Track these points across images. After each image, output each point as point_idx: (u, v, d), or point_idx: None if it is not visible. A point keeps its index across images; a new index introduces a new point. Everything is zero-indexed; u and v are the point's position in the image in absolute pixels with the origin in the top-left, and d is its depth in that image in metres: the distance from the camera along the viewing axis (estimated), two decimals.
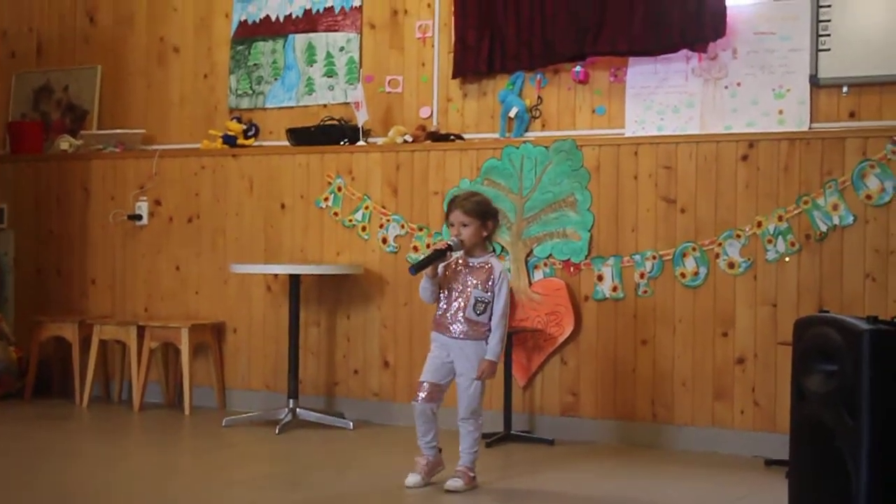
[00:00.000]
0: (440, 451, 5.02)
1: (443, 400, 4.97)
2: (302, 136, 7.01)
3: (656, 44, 6.09)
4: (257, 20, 7.31)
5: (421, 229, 6.67)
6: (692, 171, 6.05)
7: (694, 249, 6.03)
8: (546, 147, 6.35)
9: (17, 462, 5.46)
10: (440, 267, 4.95)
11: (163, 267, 7.48)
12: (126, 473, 5.36)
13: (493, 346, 4.89)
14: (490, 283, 4.91)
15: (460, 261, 4.98)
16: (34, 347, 7.40)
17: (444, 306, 4.95)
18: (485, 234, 4.96)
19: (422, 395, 4.92)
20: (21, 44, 8.11)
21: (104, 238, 7.65)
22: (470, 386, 4.90)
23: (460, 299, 4.91)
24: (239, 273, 7.06)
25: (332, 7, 7.07)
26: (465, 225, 4.91)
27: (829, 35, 5.79)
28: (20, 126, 7.90)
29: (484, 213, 4.95)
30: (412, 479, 4.94)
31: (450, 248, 4.88)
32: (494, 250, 5.10)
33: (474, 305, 4.89)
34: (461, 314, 4.90)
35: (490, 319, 4.90)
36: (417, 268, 4.88)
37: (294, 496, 4.83)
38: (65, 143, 7.75)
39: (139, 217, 7.52)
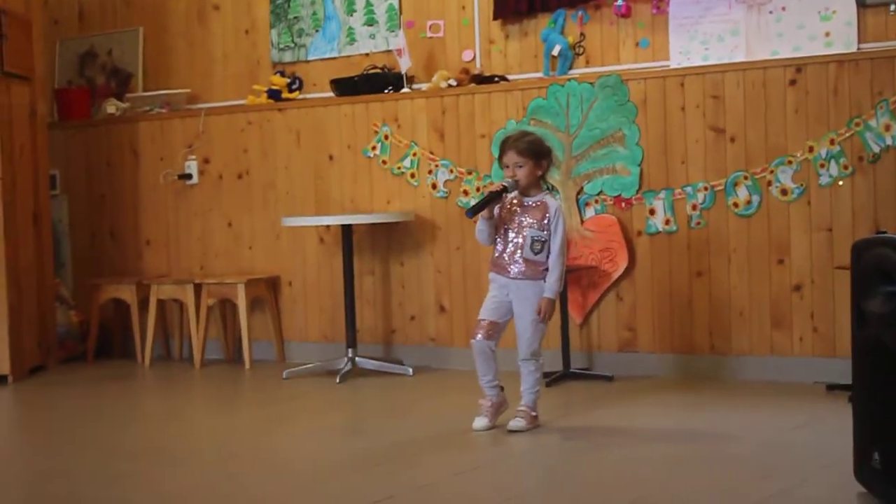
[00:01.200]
0: (502, 389, 5.04)
1: (500, 338, 4.98)
2: (346, 87, 7.01)
3: None
4: None
5: (470, 173, 6.67)
6: (740, 99, 6.00)
7: (745, 178, 5.99)
8: (591, 83, 6.31)
9: (83, 421, 5.56)
10: (496, 208, 4.94)
11: (215, 224, 7.53)
12: (190, 428, 5.44)
13: (552, 284, 4.89)
14: (546, 221, 4.90)
15: (515, 201, 4.97)
16: (94, 310, 7.49)
17: (501, 247, 4.95)
18: (539, 173, 4.95)
19: (480, 332, 4.93)
20: (63, 11, 8.15)
21: (156, 199, 7.71)
22: (529, 326, 4.91)
23: (517, 239, 4.91)
24: (291, 226, 7.10)
25: None
26: (519, 165, 4.91)
27: None
28: (67, 93, 7.96)
29: (538, 153, 4.93)
30: (479, 422, 4.96)
31: (505, 190, 4.88)
32: (549, 189, 5.08)
33: (531, 245, 4.89)
34: (519, 254, 4.90)
35: (547, 258, 4.90)
36: (474, 211, 4.87)
37: (358, 444, 4.87)
38: (112, 107, 7.80)
39: (189, 176, 7.56)
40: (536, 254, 4.89)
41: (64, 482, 4.34)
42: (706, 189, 6.08)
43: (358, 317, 6.84)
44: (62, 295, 7.64)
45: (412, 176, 6.85)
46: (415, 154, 6.83)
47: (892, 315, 3.51)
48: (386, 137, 6.92)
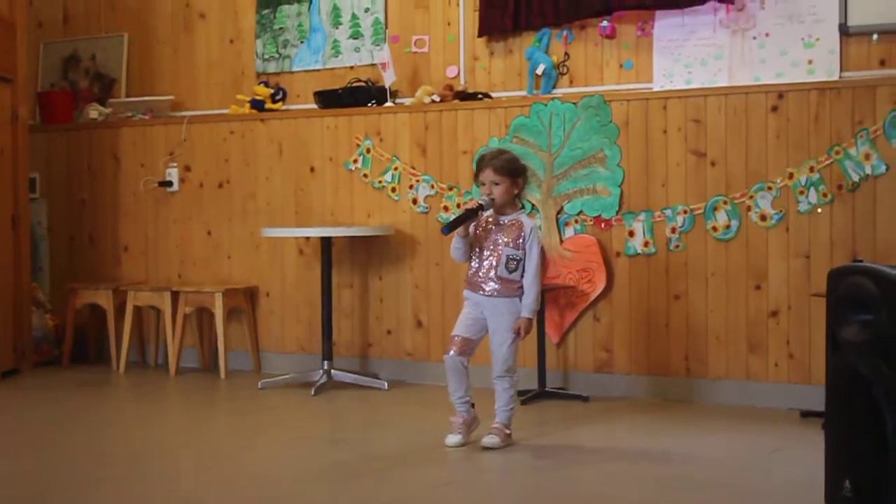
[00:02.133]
0: (473, 405, 5.03)
1: (473, 354, 4.98)
2: (329, 99, 7.00)
3: None
4: None
5: (451, 189, 6.67)
6: (722, 123, 6.02)
7: (725, 203, 6.00)
8: (574, 103, 6.32)
9: (56, 426, 5.52)
10: (471, 226, 4.95)
11: (195, 232, 7.51)
12: (163, 436, 5.41)
13: (529, 304, 4.90)
14: (521, 240, 4.91)
15: (490, 219, 4.98)
16: (70, 315, 7.45)
17: (476, 265, 4.96)
18: (515, 191, 4.96)
19: (453, 348, 4.93)
20: (47, 13, 8.12)
21: (136, 205, 7.68)
22: (504, 343, 4.91)
23: (492, 258, 4.91)
24: (270, 237, 7.09)
25: None
26: (496, 183, 4.91)
27: None
28: (50, 96, 7.93)
29: (514, 171, 4.94)
30: (452, 439, 4.96)
31: (481, 208, 4.89)
32: (524, 208, 5.10)
33: (506, 263, 4.89)
34: (493, 272, 4.90)
35: (522, 277, 4.90)
36: (449, 227, 4.88)
37: (332, 456, 4.86)
38: (94, 112, 7.77)
39: (170, 183, 7.54)
40: (511, 272, 4.90)
41: (32, 486, 4.30)
42: (686, 212, 6.09)
43: (335, 329, 6.82)
44: (39, 299, 7.60)
45: (393, 190, 6.84)
46: (396, 168, 6.83)
47: (866, 344, 3.52)
48: (368, 151, 6.91)
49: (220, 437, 5.41)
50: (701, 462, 4.68)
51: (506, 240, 4.92)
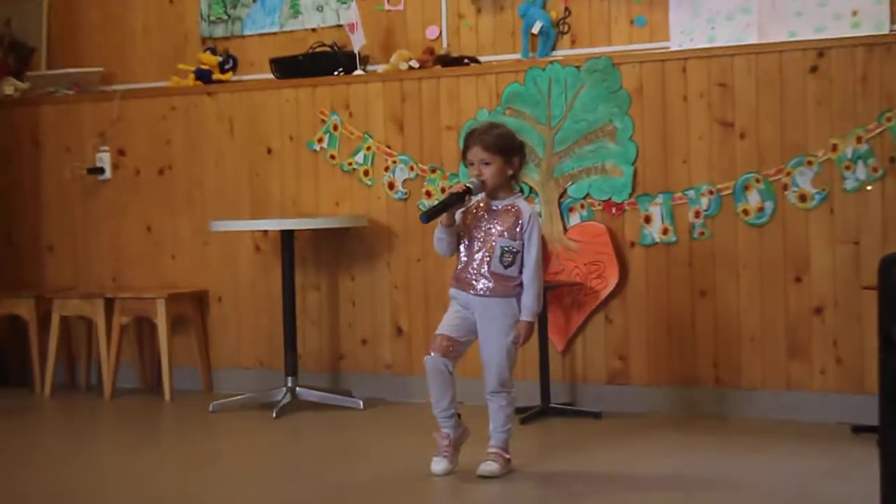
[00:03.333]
0: (459, 416, 5.00)
1: (459, 359, 4.95)
2: (288, 68, 6.98)
3: None
4: None
5: (434, 171, 6.65)
6: (752, 87, 6.01)
7: (758, 181, 5.99)
8: (577, 67, 6.30)
9: None
10: (458, 213, 4.92)
11: (131, 228, 7.48)
12: (95, 471, 5.36)
13: (529, 305, 4.88)
14: (518, 229, 4.89)
15: (481, 204, 4.96)
16: None
17: (465, 259, 4.93)
18: (510, 172, 4.93)
19: (435, 349, 4.89)
20: None
21: (61, 197, 7.65)
22: (498, 352, 4.89)
23: (483, 250, 4.89)
24: (221, 232, 7.06)
25: None
26: (486, 163, 4.89)
27: None
28: None
29: (508, 148, 4.92)
30: (438, 465, 4.94)
31: (469, 191, 4.86)
32: (522, 191, 5.07)
33: (500, 256, 4.87)
34: (485, 267, 4.88)
35: (520, 272, 4.88)
36: (430, 215, 4.85)
37: (297, 490, 4.83)
38: (9, 88, 7.74)
39: (101, 171, 7.51)
40: (507, 267, 4.87)
41: None
42: (711, 193, 6.07)
43: (300, 340, 6.80)
44: None
45: (365, 174, 6.82)
46: (369, 148, 6.80)
47: None
48: (335, 128, 6.89)
49: (164, 473, 5.37)
50: (735, 489, 4.67)
51: (500, 229, 4.89)
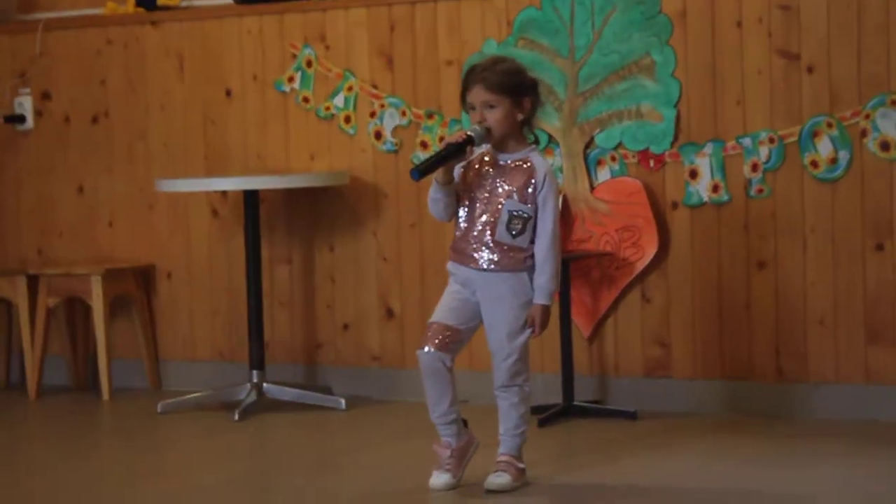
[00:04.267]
0: (465, 423, 5.01)
1: (460, 351, 4.96)
2: None
3: None
4: None
5: (430, 116, 6.65)
6: (822, 11, 6.00)
7: (829, 126, 5.98)
8: None
9: None
10: (457, 168, 4.92)
11: (60, 189, 7.49)
12: (15, 485, 5.37)
13: (545, 284, 4.88)
14: (531, 189, 4.88)
15: (486, 158, 4.96)
16: None
17: (465, 225, 4.93)
18: (520, 117, 4.92)
19: (430, 342, 4.90)
20: None
21: None
22: (508, 338, 4.89)
23: (486, 214, 4.89)
24: (170, 193, 7.06)
25: None
26: (490, 106, 4.88)
27: None
28: None
29: (517, 86, 4.91)
30: (439, 479, 4.95)
31: (469, 141, 4.86)
32: (537, 141, 5.06)
33: (508, 222, 4.87)
34: (489, 235, 4.88)
35: (532, 242, 4.88)
36: (422, 171, 4.85)
37: None
38: None
39: (20, 119, 7.52)
40: (515, 236, 4.87)
41: None
42: (772, 141, 6.07)
43: (267, 325, 6.81)
44: None
45: (346, 121, 6.82)
46: (350, 89, 6.81)
47: None
48: (308, 64, 6.89)
49: (101, 488, 5.38)
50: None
51: (508, 188, 4.89)
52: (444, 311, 4.94)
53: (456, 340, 4.93)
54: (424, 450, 5.12)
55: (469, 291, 4.93)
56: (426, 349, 4.91)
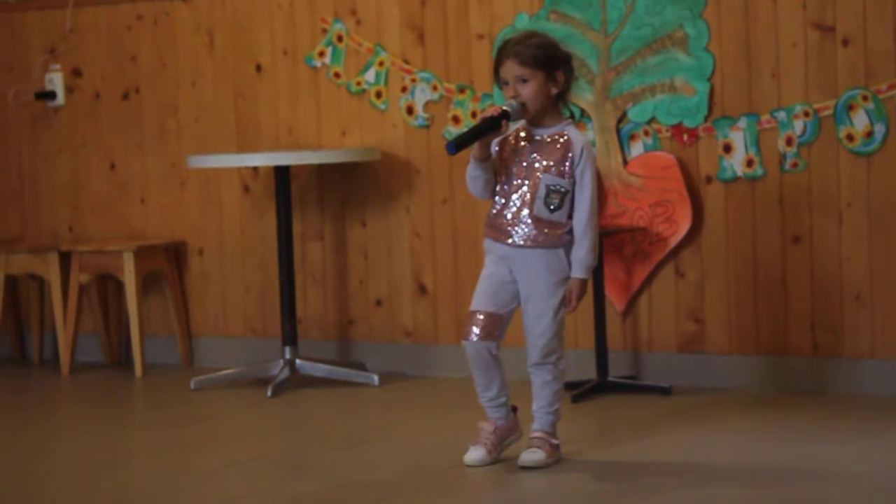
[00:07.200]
0: (514, 410, 5.02)
1: (504, 335, 4.96)
2: None
3: None
4: None
5: (462, 91, 6.64)
6: None
7: (865, 99, 5.95)
8: None
9: None
10: (493, 143, 4.91)
11: (91, 165, 7.50)
12: (51, 462, 5.39)
13: (583, 258, 4.88)
14: (568, 163, 4.88)
15: (522, 133, 4.95)
16: None
17: (503, 201, 4.93)
18: (554, 91, 4.91)
19: (475, 331, 4.91)
20: None
21: (3, 128, 7.68)
22: (544, 315, 4.89)
23: (523, 188, 4.88)
24: (201, 169, 7.07)
25: None
26: (523, 80, 4.87)
27: None
28: None
29: (550, 60, 4.89)
30: (474, 454, 4.95)
31: (505, 116, 4.84)
32: (573, 115, 5.05)
33: (546, 197, 4.86)
34: (526, 211, 4.88)
35: (570, 217, 4.88)
36: (458, 144, 4.83)
37: (298, 485, 4.86)
38: None
39: (52, 95, 7.52)
40: (553, 210, 4.86)
41: None
42: (807, 115, 6.05)
43: (300, 301, 6.82)
44: None
45: (378, 95, 6.82)
46: (381, 63, 6.80)
47: None
48: (339, 39, 6.88)
49: (134, 464, 5.43)
50: (839, 482, 4.67)
51: (546, 163, 4.88)
52: (483, 298, 4.95)
53: (499, 326, 4.94)
54: (457, 425, 5.14)
55: (505, 270, 4.93)
56: (472, 339, 4.93)
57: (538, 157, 4.90)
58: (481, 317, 4.93)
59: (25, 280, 7.50)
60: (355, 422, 5.90)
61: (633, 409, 5.91)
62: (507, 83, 4.91)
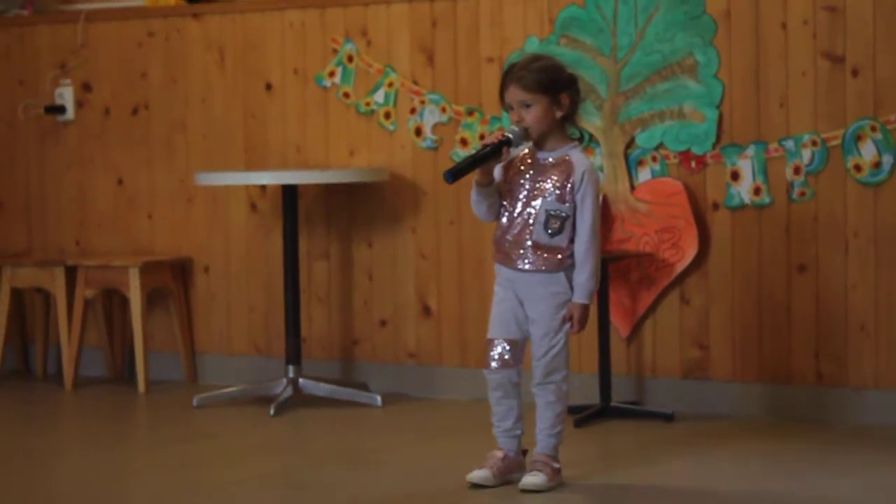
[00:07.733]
0: (524, 453, 5.02)
1: (522, 359, 4.96)
2: None
3: None
4: None
5: (471, 113, 6.65)
6: (868, 12, 5.97)
7: (873, 129, 5.96)
8: None
9: None
10: (497, 168, 4.92)
11: (99, 180, 7.51)
12: (54, 479, 5.38)
13: (584, 283, 4.88)
14: (569, 186, 4.88)
15: (527, 158, 4.96)
16: None
17: (506, 224, 4.94)
18: (559, 114, 4.91)
19: (495, 358, 4.93)
20: None
21: (12, 141, 7.69)
22: (546, 337, 4.89)
23: (524, 214, 4.89)
24: (209, 186, 7.07)
25: None
26: (526, 105, 4.87)
27: None
28: None
29: (554, 84, 4.89)
30: (479, 474, 4.94)
31: (506, 142, 4.85)
32: (582, 138, 5.05)
33: (546, 222, 4.86)
34: (527, 236, 4.88)
35: (571, 241, 4.88)
36: (455, 173, 4.85)
37: None
38: None
39: (61, 110, 7.53)
40: (553, 235, 4.87)
41: None
42: (815, 144, 6.05)
43: (304, 321, 6.82)
44: None
45: (387, 116, 6.82)
46: (391, 84, 6.81)
47: None
48: (349, 59, 6.90)
49: (136, 480, 5.41)
50: None
51: (546, 187, 4.89)
52: (500, 326, 4.97)
53: (517, 351, 4.96)
54: (460, 448, 5.14)
55: (512, 293, 4.94)
56: (493, 367, 4.95)
57: (541, 181, 4.91)
58: (498, 345, 4.95)
59: (31, 294, 7.51)
60: (357, 442, 5.90)
61: (635, 434, 5.90)
62: (511, 107, 4.92)
